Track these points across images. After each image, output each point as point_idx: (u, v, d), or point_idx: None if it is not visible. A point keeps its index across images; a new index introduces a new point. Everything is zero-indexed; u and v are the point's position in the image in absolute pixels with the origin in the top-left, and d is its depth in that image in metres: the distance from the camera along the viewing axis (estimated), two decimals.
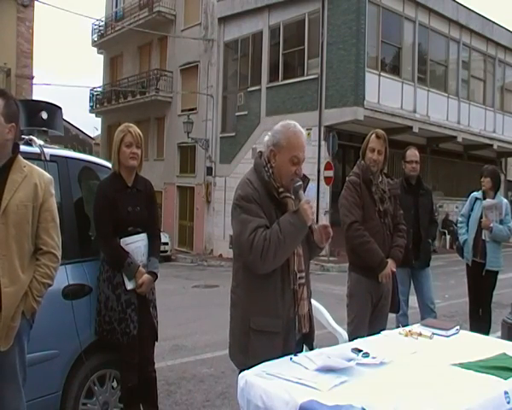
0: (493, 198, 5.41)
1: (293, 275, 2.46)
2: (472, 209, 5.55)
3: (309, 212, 2.38)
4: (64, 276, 3.11)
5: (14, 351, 2.48)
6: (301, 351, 2.51)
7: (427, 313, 4.74)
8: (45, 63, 74.34)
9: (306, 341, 2.63)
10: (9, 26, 14.70)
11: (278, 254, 2.36)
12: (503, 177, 22.60)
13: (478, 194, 5.57)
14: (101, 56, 29.17)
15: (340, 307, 4.33)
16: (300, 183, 2.48)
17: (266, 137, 2.56)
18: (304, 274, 2.51)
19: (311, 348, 2.59)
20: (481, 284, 5.42)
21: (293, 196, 2.50)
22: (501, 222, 5.36)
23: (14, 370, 2.50)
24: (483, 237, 5.36)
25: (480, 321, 5.41)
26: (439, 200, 17.96)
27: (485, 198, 5.43)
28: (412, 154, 4.96)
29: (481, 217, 5.37)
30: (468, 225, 5.56)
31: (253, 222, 2.38)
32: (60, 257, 2.61)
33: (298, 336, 2.56)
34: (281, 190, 2.48)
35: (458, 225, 5.71)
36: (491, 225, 5.28)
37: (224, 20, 19.97)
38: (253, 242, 2.34)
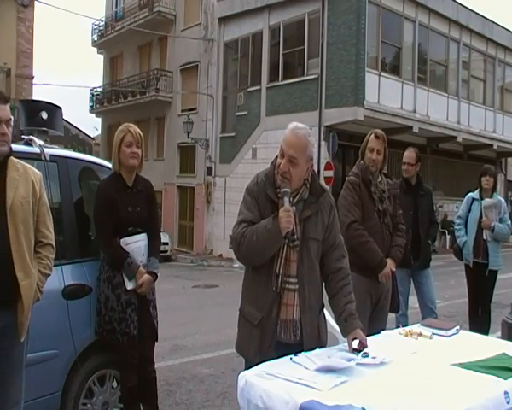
0: (490, 198, 5.41)
1: (275, 277, 2.44)
2: (470, 210, 5.52)
3: (284, 220, 2.31)
4: (64, 276, 3.11)
5: (24, 342, 2.57)
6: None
7: (428, 313, 4.73)
8: (45, 63, 74.33)
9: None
10: (9, 26, 14.72)
11: (250, 253, 2.43)
12: (502, 177, 22.64)
13: (474, 194, 5.55)
14: (101, 56, 29.17)
15: None
16: (286, 190, 2.40)
17: None
18: (295, 280, 2.46)
19: None
20: (483, 285, 5.41)
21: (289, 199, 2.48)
22: (500, 221, 5.37)
23: (22, 361, 2.58)
24: (484, 237, 5.35)
25: (479, 321, 5.41)
26: (439, 200, 17.95)
27: (482, 198, 5.42)
28: (406, 155, 4.95)
29: (481, 217, 5.37)
30: (466, 227, 5.52)
31: (242, 215, 2.49)
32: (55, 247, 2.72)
33: (291, 341, 2.48)
34: (278, 190, 2.48)
35: (455, 227, 5.63)
36: (493, 224, 5.28)
37: (223, 20, 19.96)
38: (234, 233, 2.45)
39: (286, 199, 2.39)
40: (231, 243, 2.50)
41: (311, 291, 2.52)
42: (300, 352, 2.35)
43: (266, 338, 2.45)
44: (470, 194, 5.63)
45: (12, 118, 2.55)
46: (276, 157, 2.56)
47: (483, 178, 5.44)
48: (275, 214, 2.38)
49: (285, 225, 2.32)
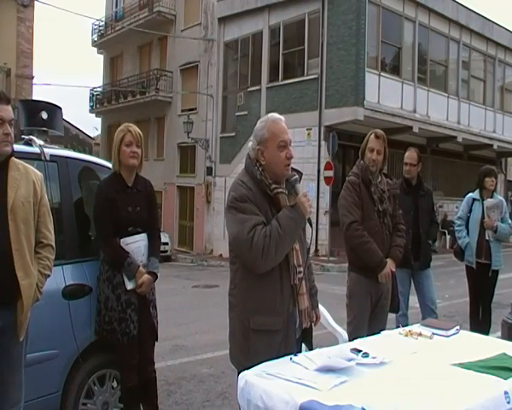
0: (491, 198, 5.40)
1: (293, 270, 2.46)
2: (470, 211, 5.49)
3: (307, 204, 2.42)
4: (65, 276, 3.11)
5: (23, 342, 2.59)
6: (300, 350, 2.51)
7: (428, 313, 4.73)
8: (45, 63, 74.29)
9: (305, 337, 2.61)
10: (9, 26, 14.73)
11: (279, 251, 2.36)
12: (502, 177, 22.63)
13: (474, 195, 5.52)
14: (101, 56, 29.17)
15: (340, 307, 4.33)
16: (296, 177, 2.51)
17: (250, 143, 2.56)
18: (302, 268, 2.52)
19: (310, 346, 2.59)
20: (485, 285, 5.39)
21: (285, 191, 2.51)
22: (501, 221, 5.36)
23: (21, 360, 2.59)
24: (487, 238, 5.33)
25: (480, 321, 5.41)
26: (438, 200, 17.94)
27: (483, 198, 5.41)
28: (408, 156, 4.95)
29: (483, 217, 5.35)
30: (467, 228, 5.50)
31: (251, 220, 2.37)
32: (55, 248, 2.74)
33: (298, 333, 2.55)
34: (273, 186, 2.47)
35: (456, 228, 5.58)
36: (496, 224, 5.27)
37: (224, 20, 19.97)
38: (252, 240, 2.32)
39: (298, 186, 2.50)
40: (251, 251, 2.33)
41: (306, 269, 2.63)
42: (308, 334, 2.44)
43: (291, 336, 2.46)
44: (470, 194, 5.60)
45: (13, 118, 2.57)
46: (250, 159, 2.53)
47: (487, 179, 5.41)
48: (293, 203, 2.44)
49: (309, 209, 2.44)
